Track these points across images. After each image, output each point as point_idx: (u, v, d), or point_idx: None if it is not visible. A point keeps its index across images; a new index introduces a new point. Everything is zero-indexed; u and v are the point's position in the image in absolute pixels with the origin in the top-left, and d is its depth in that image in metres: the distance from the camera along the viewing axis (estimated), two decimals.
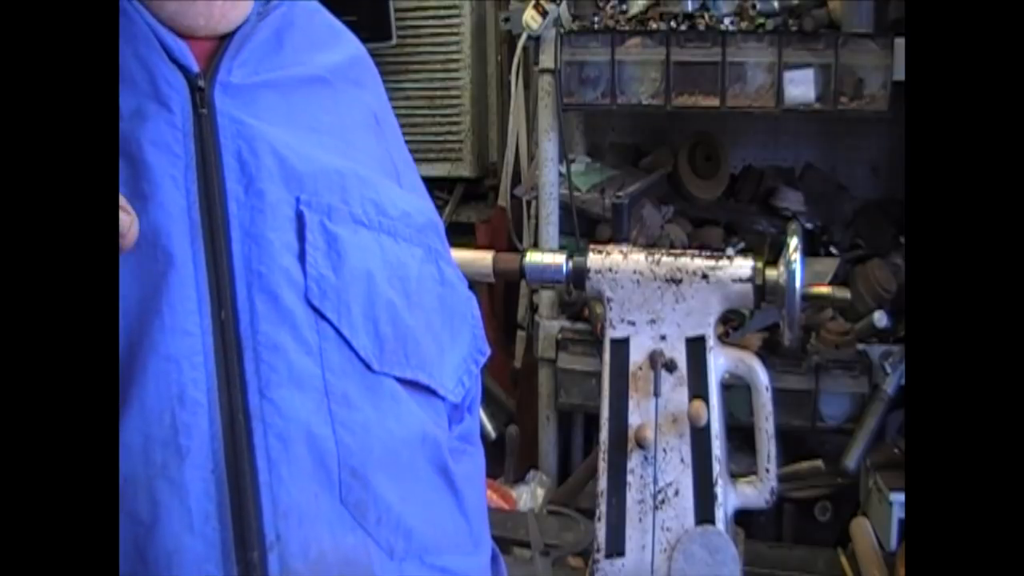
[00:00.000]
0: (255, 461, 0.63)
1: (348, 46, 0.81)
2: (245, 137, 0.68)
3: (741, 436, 1.73)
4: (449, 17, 2.34)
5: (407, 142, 0.85)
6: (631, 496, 1.43)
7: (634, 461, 1.43)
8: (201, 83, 0.67)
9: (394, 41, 2.27)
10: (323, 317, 0.66)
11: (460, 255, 1.47)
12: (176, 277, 0.63)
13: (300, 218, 0.67)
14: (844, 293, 1.45)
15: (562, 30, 2.00)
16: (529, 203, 2.24)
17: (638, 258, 1.44)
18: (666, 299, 1.43)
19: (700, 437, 1.42)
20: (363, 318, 0.68)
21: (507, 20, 2.18)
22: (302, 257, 0.67)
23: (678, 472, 1.42)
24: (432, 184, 2.43)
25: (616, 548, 1.43)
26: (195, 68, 0.68)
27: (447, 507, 0.73)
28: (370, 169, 0.74)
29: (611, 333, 1.46)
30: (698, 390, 1.42)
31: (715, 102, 1.93)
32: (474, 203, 2.52)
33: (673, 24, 1.94)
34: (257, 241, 0.66)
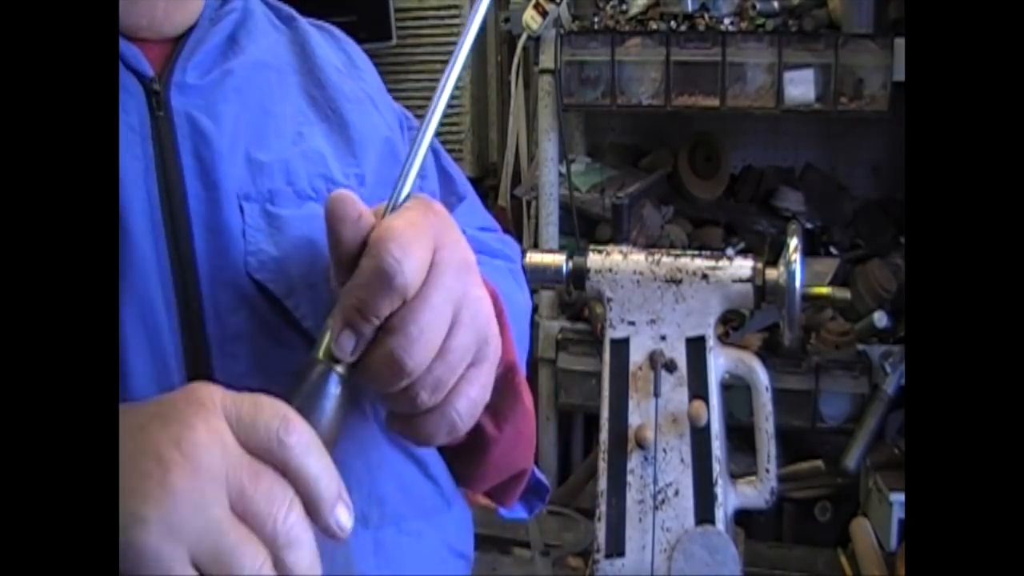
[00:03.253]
0: None
1: (294, 33, 0.81)
2: (201, 132, 0.68)
3: (741, 436, 1.74)
4: (449, 17, 2.34)
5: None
6: (631, 496, 1.43)
7: (634, 461, 1.43)
8: (156, 87, 0.68)
9: (394, 41, 2.27)
10: (266, 291, 0.67)
11: None
12: (146, 277, 0.64)
13: (241, 210, 0.68)
14: (844, 293, 1.45)
15: (562, 30, 2.00)
16: (529, 203, 2.24)
17: (638, 258, 1.44)
18: (666, 299, 1.43)
19: (700, 437, 1.42)
20: (305, 287, 0.68)
21: (507, 20, 2.18)
22: (244, 236, 0.67)
23: (678, 472, 1.42)
24: None
25: (616, 548, 1.43)
26: (149, 72, 0.68)
27: (411, 473, 0.74)
28: (323, 138, 0.75)
29: (611, 333, 1.46)
30: (698, 390, 1.43)
31: (715, 102, 1.94)
32: None
33: (673, 24, 1.94)
34: (215, 234, 0.67)
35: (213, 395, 0.51)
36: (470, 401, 0.60)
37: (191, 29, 0.73)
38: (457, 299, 0.58)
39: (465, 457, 0.76)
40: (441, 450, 0.78)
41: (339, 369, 0.56)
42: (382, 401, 0.62)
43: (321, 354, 0.57)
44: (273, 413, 0.51)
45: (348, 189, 0.72)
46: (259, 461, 0.50)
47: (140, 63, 0.68)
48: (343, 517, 0.53)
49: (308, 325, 0.67)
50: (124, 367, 0.62)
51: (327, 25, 0.86)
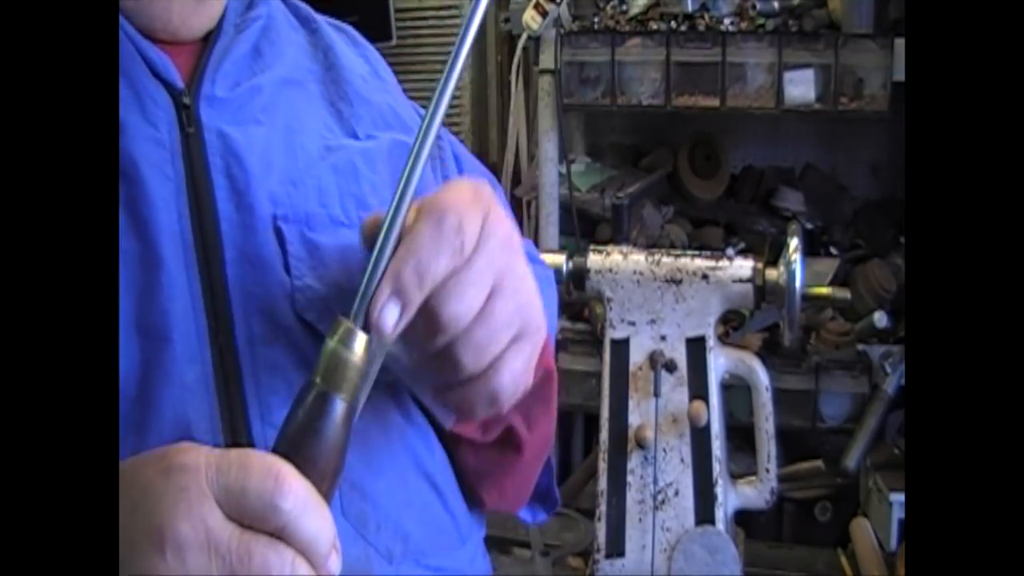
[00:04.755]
0: None
1: (315, 36, 0.79)
2: (233, 151, 0.66)
3: (741, 436, 1.74)
4: (449, 17, 2.34)
5: None
6: (631, 496, 1.43)
7: (634, 461, 1.43)
8: (186, 100, 0.66)
9: (394, 41, 2.27)
10: (312, 328, 0.65)
11: None
12: (179, 303, 0.62)
13: (279, 233, 0.66)
14: (844, 293, 1.46)
15: (562, 30, 2.00)
16: (529, 203, 2.24)
17: (638, 258, 1.45)
18: (666, 299, 1.43)
19: (700, 437, 1.42)
20: None
21: (507, 20, 2.18)
22: (287, 269, 0.65)
23: (678, 472, 1.42)
24: None
25: (616, 548, 1.43)
26: (180, 84, 0.66)
27: (434, 508, 0.73)
28: (351, 151, 0.73)
29: (611, 333, 1.46)
30: (698, 390, 1.43)
31: (715, 102, 1.94)
32: None
33: (673, 24, 1.94)
34: (250, 259, 0.65)
35: (198, 462, 0.50)
36: (513, 374, 0.58)
37: (215, 35, 0.70)
38: (500, 268, 0.57)
39: (495, 465, 0.75)
40: (467, 464, 0.76)
41: (341, 395, 0.53)
42: (427, 370, 0.59)
43: (320, 377, 0.53)
44: (264, 473, 0.49)
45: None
46: (251, 532, 0.49)
47: (170, 73, 0.66)
48: (334, 566, 0.52)
49: None
50: (150, 394, 0.60)
51: (346, 27, 0.83)
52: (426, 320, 0.55)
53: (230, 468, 0.49)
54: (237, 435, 0.62)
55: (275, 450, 0.52)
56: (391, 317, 0.53)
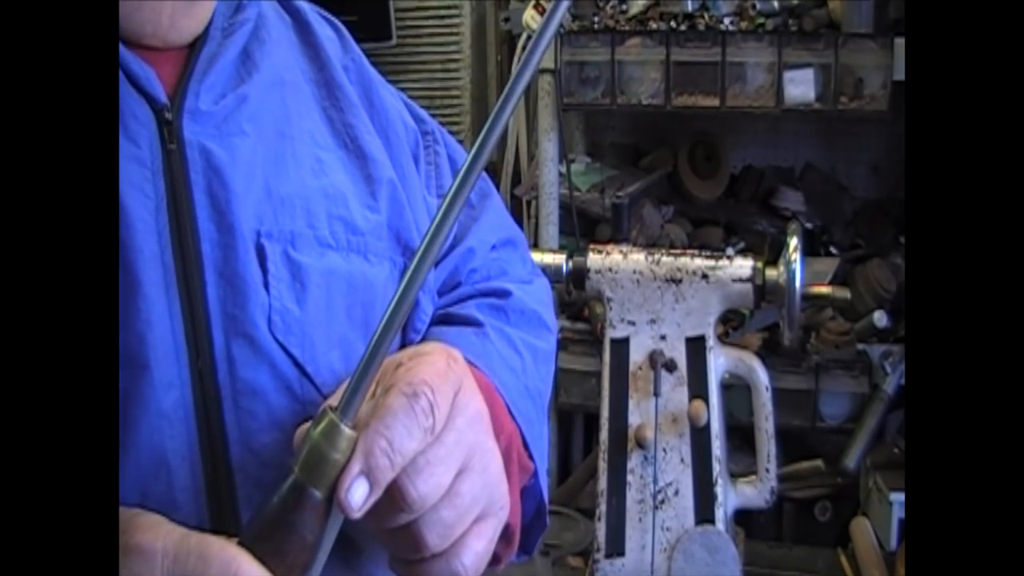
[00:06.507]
0: (239, 514, 0.61)
1: (306, 34, 0.76)
2: (215, 168, 0.64)
3: (741, 436, 1.74)
4: (449, 17, 2.34)
5: None
6: (631, 496, 1.43)
7: (634, 461, 1.43)
8: (169, 115, 0.63)
9: (394, 41, 2.27)
10: (287, 352, 0.64)
11: None
12: (158, 329, 0.60)
13: (261, 251, 0.64)
14: (844, 293, 1.46)
15: (562, 30, 2.00)
16: (529, 203, 2.24)
17: (638, 258, 1.45)
18: (666, 299, 1.43)
19: (700, 437, 1.43)
20: (324, 354, 0.66)
21: (507, 20, 2.19)
22: (267, 288, 0.64)
23: (678, 472, 1.42)
24: None
25: (616, 548, 1.43)
26: (163, 98, 0.63)
27: None
28: (343, 171, 0.71)
29: (611, 333, 1.46)
30: (698, 390, 1.43)
31: (715, 102, 1.94)
32: None
33: (673, 24, 1.94)
34: (231, 281, 0.63)
35: (155, 547, 0.49)
36: (476, 556, 0.57)
37: (202, 41, 0.67)
38: (470, 445, 0.56)
39: None
40: None
41: (318, 489, 0.51)
42: (386, 542, 0.57)
43: (299, 468, 0.51)
44: (222, 569, 0.48)
45: (361, 238, 0.69)
46: None
47: (153, 87, 0.63)
48: None
49: (327, 393, 0.64)
50: (127, 423, 0.59)
51: (335, 21, 0.81)
52: (392, 497, 0.53)
53: (188, 558, 0.48)
54: (217, 461, 0.61)
55: (244, 536, 0.51)
56: (359, 495, 0.52)
